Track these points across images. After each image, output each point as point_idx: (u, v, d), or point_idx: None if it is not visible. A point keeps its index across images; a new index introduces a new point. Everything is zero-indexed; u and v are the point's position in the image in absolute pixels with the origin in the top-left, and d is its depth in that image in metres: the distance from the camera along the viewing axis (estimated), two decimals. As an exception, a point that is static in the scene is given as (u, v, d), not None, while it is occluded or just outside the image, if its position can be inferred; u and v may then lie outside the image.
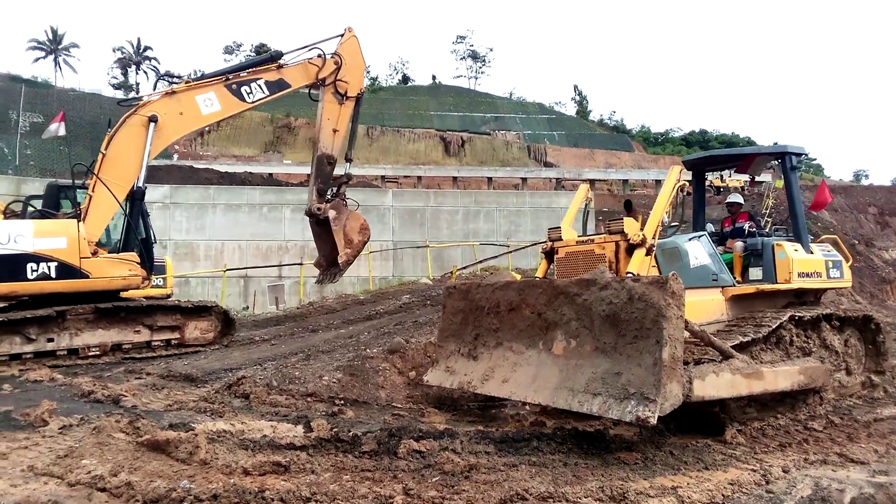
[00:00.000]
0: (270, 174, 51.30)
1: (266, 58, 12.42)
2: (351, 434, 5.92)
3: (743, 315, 7.44)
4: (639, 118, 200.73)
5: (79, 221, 10.68)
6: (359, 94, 12.57)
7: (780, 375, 6.52)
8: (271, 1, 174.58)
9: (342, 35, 12.45)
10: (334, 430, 6.02)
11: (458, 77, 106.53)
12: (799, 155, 8.62)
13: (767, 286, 7.71)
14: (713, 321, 7.27)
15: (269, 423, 6.34)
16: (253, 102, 11.90)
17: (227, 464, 5.06)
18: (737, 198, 9.38)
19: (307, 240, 28.24)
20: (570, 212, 8.36)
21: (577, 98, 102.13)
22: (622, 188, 53.08)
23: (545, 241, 7.97)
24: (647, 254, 6.66)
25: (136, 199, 11.25)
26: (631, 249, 6.71)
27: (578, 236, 7.79)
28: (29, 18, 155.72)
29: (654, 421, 5.01)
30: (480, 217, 29.63)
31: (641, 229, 6.81)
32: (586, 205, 8.44)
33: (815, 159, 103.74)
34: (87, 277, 10.67)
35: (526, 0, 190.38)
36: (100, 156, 10.84)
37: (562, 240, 7.65)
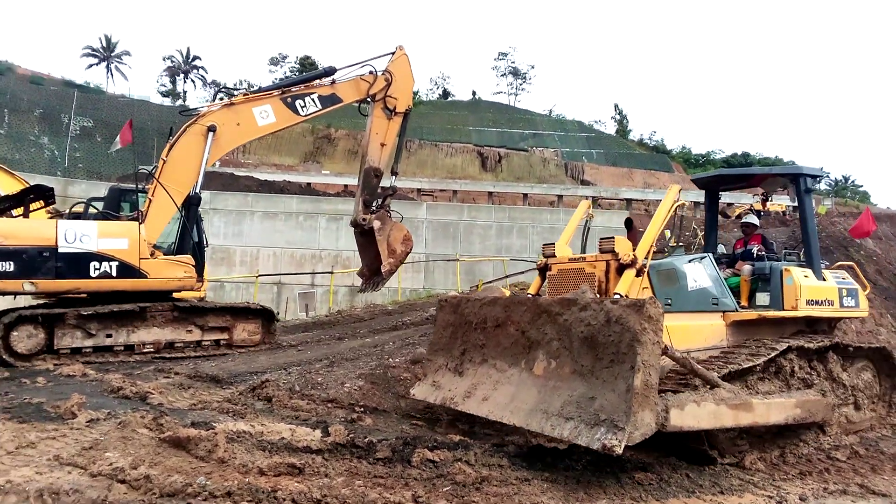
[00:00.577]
0: (308, 184, 52.04)
1: (320, 73, 12.83)
2: (367, 441, 5.99)
3: (744, 342, 7.16)
4: (680, 139, 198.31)
5: (140, 224, 11.18)
6: (407, 110, 12.90)
7: (773, 408, 6.21)
8: (316, 14, 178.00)
9: (393, 53, 12.81)
10: (351, 435, 6.10)
11: (497, 93, 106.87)
12: (814, 177, 8.31)
13: (771, 313, 7.43)
14: (711, 347, 6.99)
15: (288, 426, 6.44)
16: (306, 116, 12.40)
17: (244, 463, 5.18)
18: (752, 219, 9.08)
19: (340, 249, 28.65)
20: (568, 228, 8.20)
21: (618, 117, 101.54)
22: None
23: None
24: (638, 275, 6.43)
25: (192, 204, 11.81)
26: (622, 269, 6.48)
27: (574, 254, 7.61)
28: (84, 26, 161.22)
29: (619, 450, 4.84)
30: (514, 233, 29.64)
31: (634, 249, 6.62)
32: (587, 221, 8.24)
33: (861, 186, 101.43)
34: (146, 277, 11.19)
35: (569, 19, 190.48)
36: (160, 162, 11.43)
37: (555, 256, 7.51)
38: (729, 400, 5.77)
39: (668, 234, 8.03)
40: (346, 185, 49.34)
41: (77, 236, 10.75)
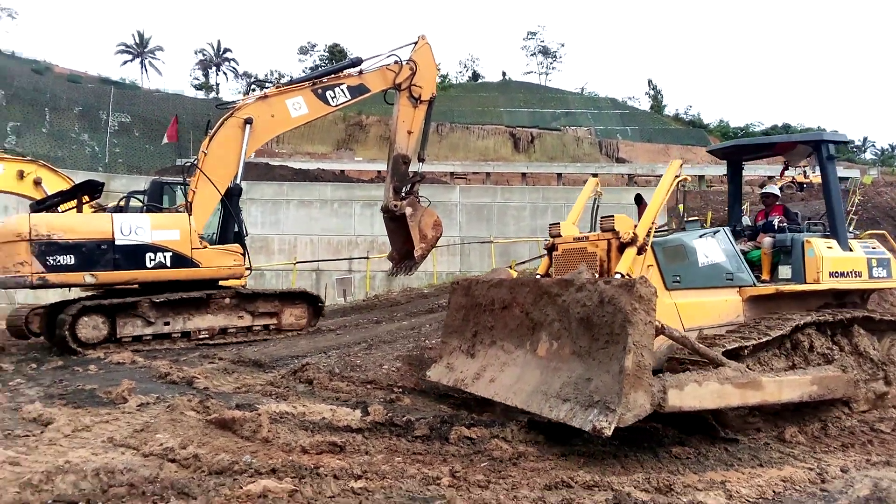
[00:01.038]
0: (342, 171, 52.41)
1: (347, 64, 13.23)
2: (405, 419, 6.14)
3: (761, 318, 6.89)
4: (717, 112, 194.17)
5: (189, 215, 11.56)
6: (431, 97, 13.16)
7: (786, 385, 6.00)
8: (344, 1, 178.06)
9: (416, 42, 13.03)
10: (389, 415, 6.26)
11: (528, 73, 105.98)
12: (838, 143, 7.84)
13: (790, 286, 7.11)
14: (726, 323, 6.79)
15: (328, 406, 6.63)
16: (336, 106, 12.84)
17: (287, 442, 5.37)
18: (772, 189, 8.77)
19: (375, 235, 28.80)
20: (575, 207, 8.03)
21: (652, 92, 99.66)
22: (698, 184, 51.65)
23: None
24: (640, 252, 6.26)
25: (233, 195, 12.19)
26: (623, 248, 6.33)
27: (580, 234, 7.43)
28: (118, 23, 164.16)
29: (608, 433, 4.81)
30: (548, 213, 29.41)
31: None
32: (595, 199, 8.03)
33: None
34: (198, 267, 11.70)
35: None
36: (201, 154, 11.78)
37: (561, 236, 7.39)
38: (735, 378, 5.62)
39: (681, 208, 7.90)
40: (378, 171, 49.48)
41: (132, 229, 11.19)
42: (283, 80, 12.88)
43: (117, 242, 11.05)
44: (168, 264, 11.39)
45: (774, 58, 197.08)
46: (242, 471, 4.56)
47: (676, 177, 6.75)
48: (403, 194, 13.05)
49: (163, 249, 11.36)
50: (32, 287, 10.96)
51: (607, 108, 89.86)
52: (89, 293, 12.29)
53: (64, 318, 10.51)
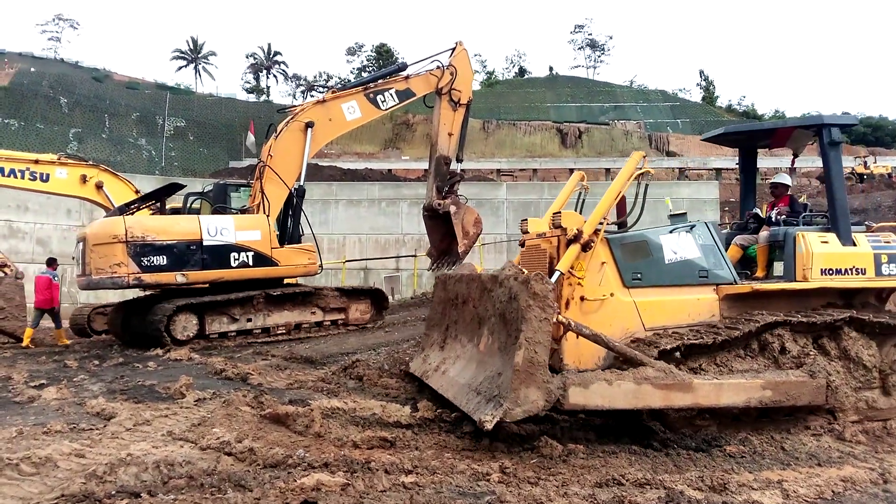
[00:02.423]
0: (389, 170, 52.86)
1: (394, 69, 13.98)
2: (454, 415, 6.15)
3: (736, 317, 6.46)
4: (772, 103, 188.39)
5: (267, 216, 12.14)
6: (469, 101, 13.75)
7: (727, 389, 5.66)
8: (390, 1, 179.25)
9: (453, 48, 13.62)
10: (439, 411, 6.30)
11: (575, 67, 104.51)
12: (841, 126, 7.15)
13: (766, 285, 6.61)
14: (698, 323, 6.37)
15: (379, 402, 6.70)
16: (386, 109, 13.65)
17: (339, 437, 5.46)
18: (782, 178, 8.23)
19: (423, 233, 28.83)
20: (557, 201, 7.81)
21: (703, 84, 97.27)
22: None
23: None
24: (584, 249, 5.99)
25: (298, 196, 12.70)
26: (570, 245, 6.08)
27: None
28: (173, 30, 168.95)
29: (489, 426, 4.83)
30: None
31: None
32: (580, 193, 7.78)
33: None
34: (277, 265, 12.28)
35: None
36: (266, 157, 12.37)
37: (528, 232, 7.28)
38: (656, 379, 5.43)
39: (667, 201, 7.56)
40: (425, 170, 49.86)
41: (218, 230, 11.76)
42: (331, 83, 13.43)
43: (205, 243, 11.64)
44: (251, 263, 11.97)
45: (834, 41, 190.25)
46: (296, 464, 4.66)
47: (638, 169, 6.44)
48: (444, 193, 13.50)
49: (246, 249, 11.95)
50: (128, 287, 11.59)
51: (657, 101, 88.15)
52: (149, 292, 12.72)
53: (159, 318, 11.01)
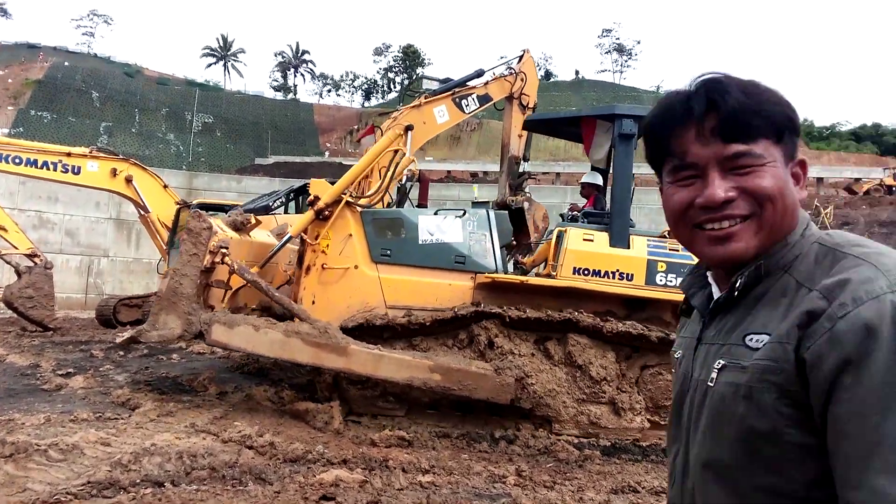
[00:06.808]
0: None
1: (473, 75, 14.48)
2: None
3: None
4: (801, 111, 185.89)
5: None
6: (534, 105, 14.17)
7: (387, 362, 5.55)
8: (416, 2, 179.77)
9: (521, 56, 14.14)
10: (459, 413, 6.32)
11: (602, 71, 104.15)
12: (631, 117, 6.60)
13: (504, 277, 6.26)
14: (447, 308, 6.09)
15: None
16: (468, 113, 14.12)
17: (358, 435, 5.53)
18: (590, 178, 8.07)
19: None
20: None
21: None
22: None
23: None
24: (318, 216, 6.07)
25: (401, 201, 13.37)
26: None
27: None
28: (204, 28, 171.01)
29: (118, 341, 5.89)
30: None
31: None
32: (408, 178, 7.81)
33: None
34: None
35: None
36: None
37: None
38: (308, 336, 5.54)
39: (474, 188, 7.46)
40: (448, 171, 49.78)
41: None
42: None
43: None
44: None
45: (864, 49, 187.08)
46: (315, 460, 4.73)
47: (391, 149, 6.81)
48: (515, 190, 14.03)
49: None
50: None
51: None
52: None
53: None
